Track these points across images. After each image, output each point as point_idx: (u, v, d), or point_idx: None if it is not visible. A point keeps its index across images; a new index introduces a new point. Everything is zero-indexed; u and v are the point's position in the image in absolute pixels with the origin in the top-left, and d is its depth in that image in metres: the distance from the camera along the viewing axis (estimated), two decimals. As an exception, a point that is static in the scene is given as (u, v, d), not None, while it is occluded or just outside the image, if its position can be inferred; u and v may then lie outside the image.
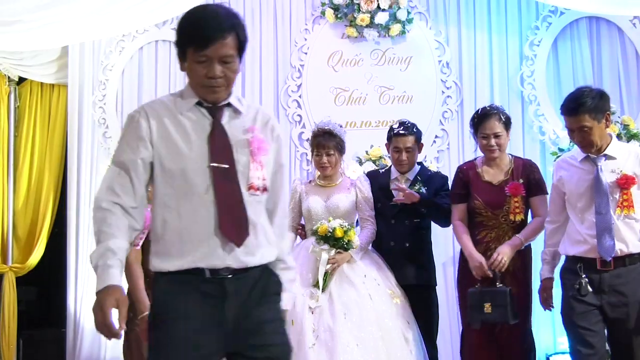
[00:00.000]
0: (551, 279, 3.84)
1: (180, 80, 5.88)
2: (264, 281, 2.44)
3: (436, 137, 5.77)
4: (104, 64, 6.00)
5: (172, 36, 5.85)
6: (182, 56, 2.39)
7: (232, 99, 2.45)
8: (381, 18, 5.71)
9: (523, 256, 4.09)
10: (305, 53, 5.93)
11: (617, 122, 5.36)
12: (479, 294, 3.93)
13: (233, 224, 2.34)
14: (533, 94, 5.66)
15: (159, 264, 2.37)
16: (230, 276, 2.34)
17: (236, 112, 2.46)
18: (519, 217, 4.05)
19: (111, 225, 2.31)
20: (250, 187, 2.39)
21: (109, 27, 5.60)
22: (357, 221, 4.43)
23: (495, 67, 5.75)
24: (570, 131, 3.61)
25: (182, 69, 2.41)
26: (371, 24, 5.76)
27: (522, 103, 5.71)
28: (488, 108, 4.24)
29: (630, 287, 3.51)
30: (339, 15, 5.82)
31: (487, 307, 3.88)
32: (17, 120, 6.05)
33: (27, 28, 5.36)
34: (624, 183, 3.53)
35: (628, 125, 5.36)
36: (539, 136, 5.63)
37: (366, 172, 4.93)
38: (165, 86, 5.97)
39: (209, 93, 2.39)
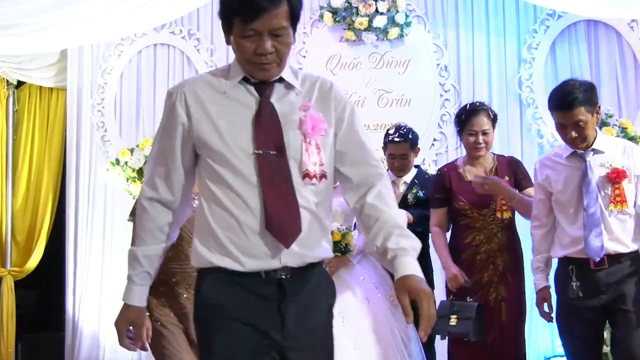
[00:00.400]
0: (548, 288, 3.61)
1: (178, 83, 5.90)
2: (323, 287, 2.20)
3: (434, 140, 5.77)
4: (103, 68, 6.01)
5: (171, 40, 5.99)
6: (227, 28, 2.08)
7: (284, 73, 2.13)
8: (379, 21, 5.71)
9: (514, 256, 3.93)
10: (304, 56, 5.94)
11: (615, 125, 5.37)
12: (449, 306, 3.80)
13: (282, 221, 2.04)
14: (531, 97, 5.66)
15: (208, 257, 2.09)
16: (288, 276, 2.08)
17: (289, 87, 2.15)
18: (506, 215, 3.88)
19: (144, 229, 2.21)
20: (305, 175, 2.08)
21: (107, 30, 5.61)
22: (355, 224, 4.43)
23: (494, 70, 5.75)
24: (562, 127, 3.40)
25: (228, 42, 2.11)
26: (369, 28, 5.76)
27: (520, 106, 5.72)
28: (477, 104, 4.07)
29: (628, 282, 3.36)
30: (337, 19, 5.83)
31: (453, 320, 3.74)
32: (15, 124, 6.06)
33: (26, 31, 5.37)
34: (615, 177, 3.37)
35: (626, 128, 5.37)
36: (537, 139, 5.64)
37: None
38: (164, 89, 5.95)
39: (259, 71, 2.08)
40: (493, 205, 3.90)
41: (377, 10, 5.71)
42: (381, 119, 5.75)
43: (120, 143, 5.93)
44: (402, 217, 2.16)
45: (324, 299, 2.20)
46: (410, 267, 2.03)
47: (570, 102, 3.31)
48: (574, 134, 3.36)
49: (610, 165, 3.40)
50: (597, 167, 3.40)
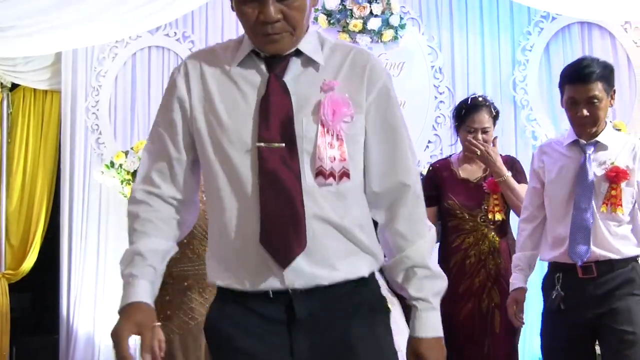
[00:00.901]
0: (523, 290, 3.27)
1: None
2: (359, 296, 1.74)
3: (429, 142, 5.78)
4: (97, 70, 6.00)
5: (165, 42, 5.98)
6: None
7: (303, 44, 1.73)
8: (374, 24, 5.72)
9: (508, 259, 3.59)
10: (298, 59, 5.93)
11: (609, 126, 5.39)
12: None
13: (279, 233, 1.64)
14: (525, 98, 5.68)
15: (210, 274, 1.77)
16: (299, 293, 1.68)
17: (310, 62, 1.74)
18: (498, 216, 3.60)
19: (144, 221, 1.76)
20: (318, 173, 1.66)
21: (102, 33, 5.60)
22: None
23: (488, 72, 5.76)
24: (572, 105, 3.06)
25: (233, 8, 1.75)
26: (364, 30, 5.76)
27: (515, 108, 5.73)
28: (480, 99, 3.72)
29: (621, 296, 3.01)
30: (331, 21, 5.83)
31: None
32: (10, 127, 6.04)
33: (20, 34, 5.36)
34: (614, 176, 3.03)
35: (619, 129, 5.38)
36: (531, 141, 5.65)
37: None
38: (159, 92, 5.96)
39: (267, 43, 1.69)
40: (484, 206, 3.65)
41: (371, 12, 5.71)
42: (376, 121, 5.73)
43: (115, 145, 5.92)
44: (429, 247, 1.83)
45: (357, 326, 1.72)
46: (429, 326, 1.79)
47: (588, 74, 3.01)
48: (585, 112, 3.03)
49: (612, 163, 3.08)
50: (597, 163, 3.09)
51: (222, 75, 1.75)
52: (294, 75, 1.73)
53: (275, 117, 1.67)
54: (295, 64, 1.74)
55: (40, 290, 6.45)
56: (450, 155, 4.00)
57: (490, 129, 3.69)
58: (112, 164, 5.80)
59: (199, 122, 1.74)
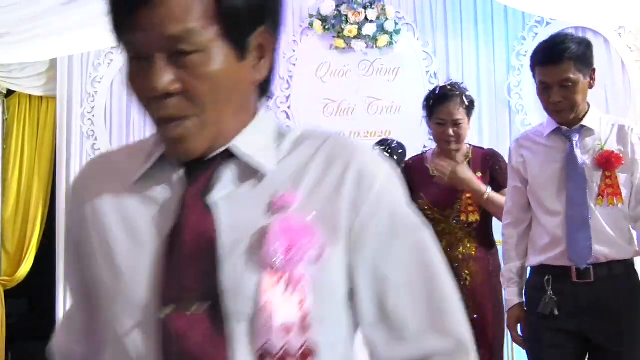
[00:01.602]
0: (522, 305, 2.87)
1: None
2: None
3: (424, 147, 5.77)
4: (93, 76, 6.00)
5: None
6: None
7: (240, 141, 1.06)
8: (369, 29, 5.73)
9: (485, 268, 3.26)
10: (294, 64, 5.94)
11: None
12: None
13: None
14: (520, 103, 5.69)
15: None
16: None
17: (252, 168, 1.06)
18: (472, 218, 3.22)
19: None
20: (264, 356, 0.97)
21: (97, 39, 5.59)
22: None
23: (483, 77, 5.77)
24: (545, 90, 2.69)
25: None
26: (359, 35, 5.78)
27: (510, 113, 5.74)
28: (449, 87, 3.33)
29: (620, 305, 2.68)
30: (326, 27, 5.84)
31: None
32: (5, 133, 6.04)
33: (16, 40, 5.36)
34: (605, 162, 2.66)
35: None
36: (526, 146, 5.66)
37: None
38: (154, 98, 5.98)
39: (168, 144, 1.06)
40: (457, 205, 3.27)
41: (366, 18, 5.73)
42: (371, 126, 5.76)
43: (111, 151, 5.93)
44: None
45: None
46: None
47: (559, 53, 2.62)
48: (558, 97, 2.66)
49: (601, 148, 2.71)
50: (585, 150, 2.72)
51: (123, 194, 1.10)
52: (226, 191, 1.05)
53: (190, 263, 1.01)
54: (227, 173, 1.06)
55: (36, 296, 6.45)
56: (426, 151, 3.66)
57: (463, 121, 3.29)
58: (108, 170, 5.81)
59: (91, 270, 1.13)
